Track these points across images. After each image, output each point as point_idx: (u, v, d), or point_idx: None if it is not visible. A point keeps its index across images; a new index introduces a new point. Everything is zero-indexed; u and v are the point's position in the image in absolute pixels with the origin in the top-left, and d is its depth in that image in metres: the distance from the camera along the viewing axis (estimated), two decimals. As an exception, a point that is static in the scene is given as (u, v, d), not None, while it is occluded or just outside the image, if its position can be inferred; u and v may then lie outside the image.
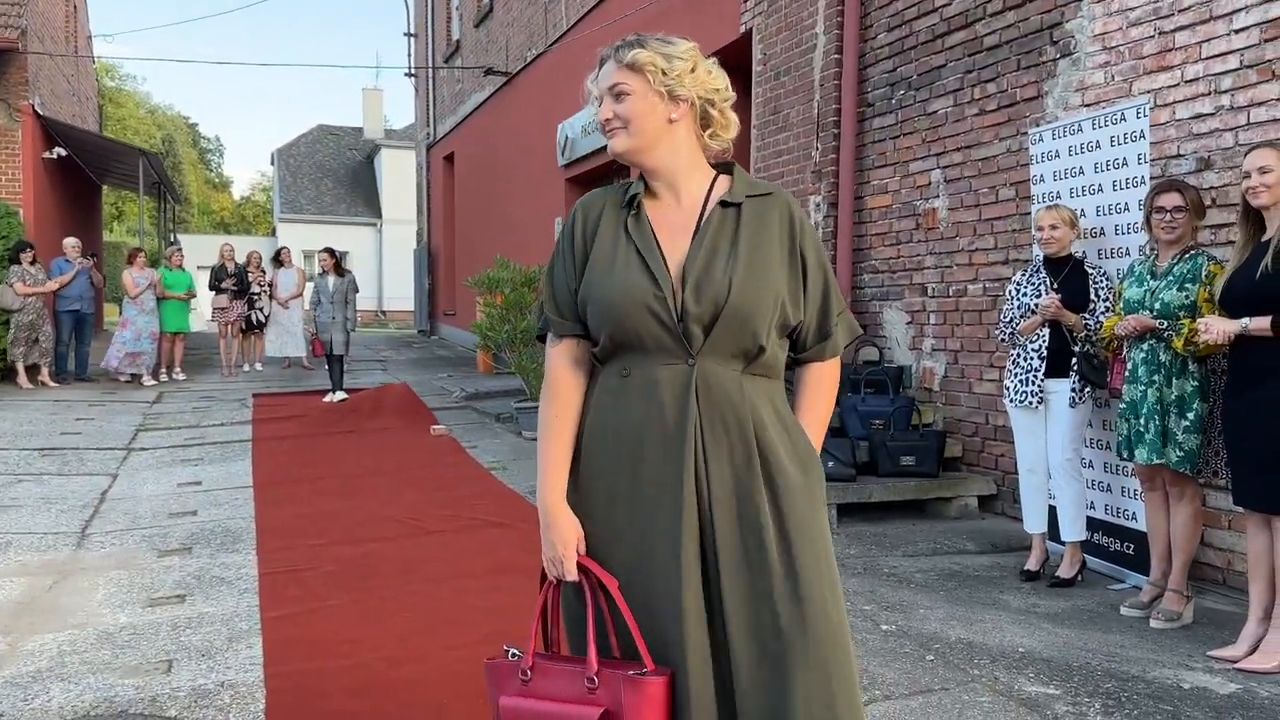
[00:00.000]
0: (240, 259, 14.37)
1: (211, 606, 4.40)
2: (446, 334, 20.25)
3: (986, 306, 6.17)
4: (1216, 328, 3.71)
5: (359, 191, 37.09)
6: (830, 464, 5.79)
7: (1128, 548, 4.82)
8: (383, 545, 5.42)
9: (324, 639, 3.97)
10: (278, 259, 14.68)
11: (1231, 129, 4.62)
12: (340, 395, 11.06)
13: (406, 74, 22.44)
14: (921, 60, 6.67)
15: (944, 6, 6.47)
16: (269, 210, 48.33)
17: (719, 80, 2.00)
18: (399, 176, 34.59)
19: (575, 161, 12.62)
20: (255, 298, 14.14)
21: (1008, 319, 4.93)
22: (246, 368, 14.30)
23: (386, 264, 34.47)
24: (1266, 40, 4.45)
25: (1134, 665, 3.70)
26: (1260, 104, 4.48)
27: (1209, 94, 4.72)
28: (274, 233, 36.98)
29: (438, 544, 5.46)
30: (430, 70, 20.85)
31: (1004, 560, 5.24)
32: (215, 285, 13.97)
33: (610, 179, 12.48)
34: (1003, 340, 5.05)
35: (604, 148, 12.78)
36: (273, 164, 39.44)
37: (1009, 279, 5.93)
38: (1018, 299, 4.87)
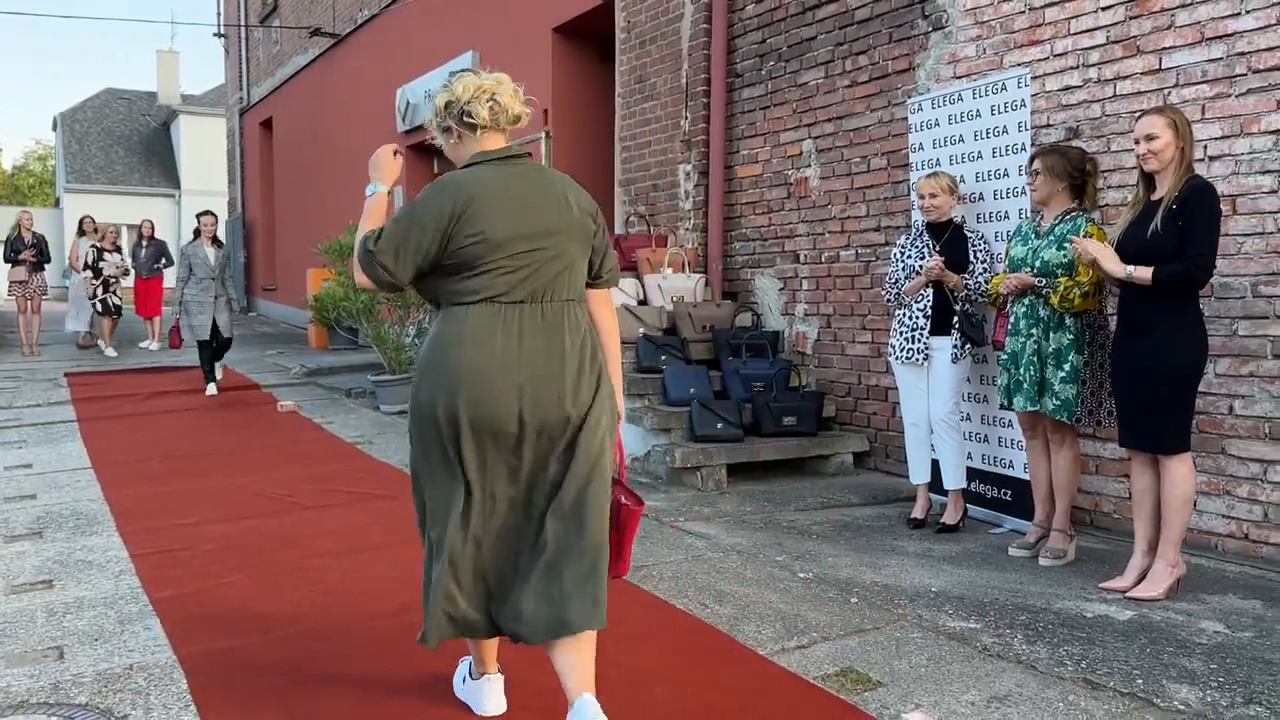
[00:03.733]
0: (38, 229, 13.13)
1: (87, 591, 4.02)
2: (266, 310, 19.23)
3: (859, 272, 6.39)
4: (1106, 256, 3.92)
5: (154, 160, 34.61)
6: (720, 425, 5.90)
7: (1005, 494, 5.12)
8: (262, 522, 5.10)
9: (229, 617, 3.71)
10: (80, 229, 13.54)
11: (1099, 100, 4.95)
12: (212, 390, 9.58)
13: (216, 34, 21.09)
14: (792, 32, 6.82)
15: (814, -21, 6.63)
16: (49, 181, 44.38)
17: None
18: (200, 145, 32.47)
19: (418, 128, 12.18)
20: (112, 280, 12.97)
21: (893, 280, 5.13)
22: (111, 352, 12.96)
23: (187, 238, 32.31)
24: (1131, 17, 4.80)
25: (1038, 599, 3.94)
26: (1125, 77, 4.83)
27: (1077, 67, 5.04)
28: (58, 204, 34.02)
29: (322, 518, 5.19)
30: (243, 30, 19.66)
31: (887, 511, 5.47)
32: (11, 257, 12.73)
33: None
34: (889, 301, 5.25)
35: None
36: (55, 130, 36.25)
37: (881, 245, 6.18)
38: (903, 261, 5.07)
